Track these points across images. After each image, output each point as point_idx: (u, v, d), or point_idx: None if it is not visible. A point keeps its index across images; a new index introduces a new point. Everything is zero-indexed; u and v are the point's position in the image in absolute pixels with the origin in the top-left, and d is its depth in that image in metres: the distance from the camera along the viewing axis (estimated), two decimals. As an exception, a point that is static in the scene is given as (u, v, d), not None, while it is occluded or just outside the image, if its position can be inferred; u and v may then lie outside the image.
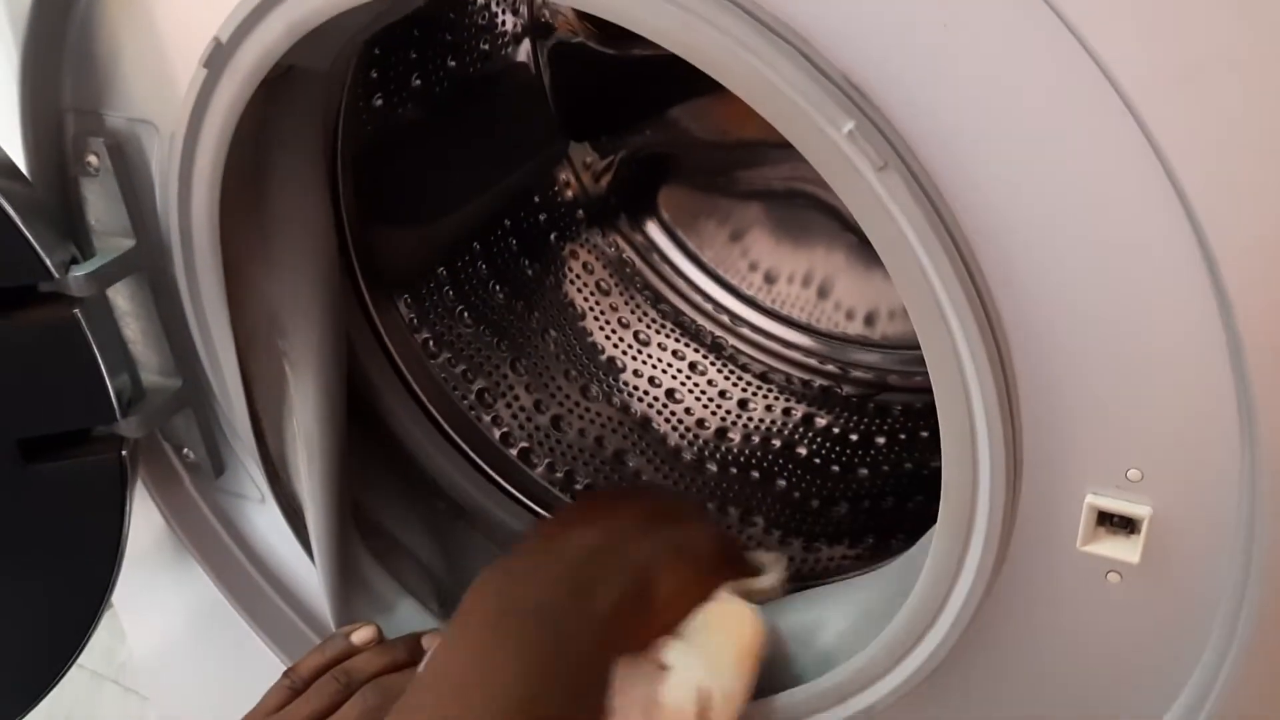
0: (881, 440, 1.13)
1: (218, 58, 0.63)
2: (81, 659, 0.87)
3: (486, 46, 1.11)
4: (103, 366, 0.75)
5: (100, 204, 0.74)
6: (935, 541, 0.59)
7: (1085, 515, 0.55)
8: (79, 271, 0.72)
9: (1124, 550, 0.55)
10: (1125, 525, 0.55)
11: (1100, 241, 0.49)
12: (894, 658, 0.64)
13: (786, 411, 1.18)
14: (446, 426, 0.94)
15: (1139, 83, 0.44)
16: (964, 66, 0.48)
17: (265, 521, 0.88)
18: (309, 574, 0.89)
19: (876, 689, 0.65)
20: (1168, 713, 0.59)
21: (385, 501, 0.85)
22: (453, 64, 1.07)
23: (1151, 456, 0.52)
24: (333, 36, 0.63)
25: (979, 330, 0.52)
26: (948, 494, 0.57)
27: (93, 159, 0.72)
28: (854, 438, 1.14)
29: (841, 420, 1.16)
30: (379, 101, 0.99)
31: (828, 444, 1.14)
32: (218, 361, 0.78)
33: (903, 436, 1.12)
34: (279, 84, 0.67)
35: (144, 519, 0.89)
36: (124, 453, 0.79)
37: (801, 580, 0.90)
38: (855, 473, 1.11)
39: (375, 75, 0.99)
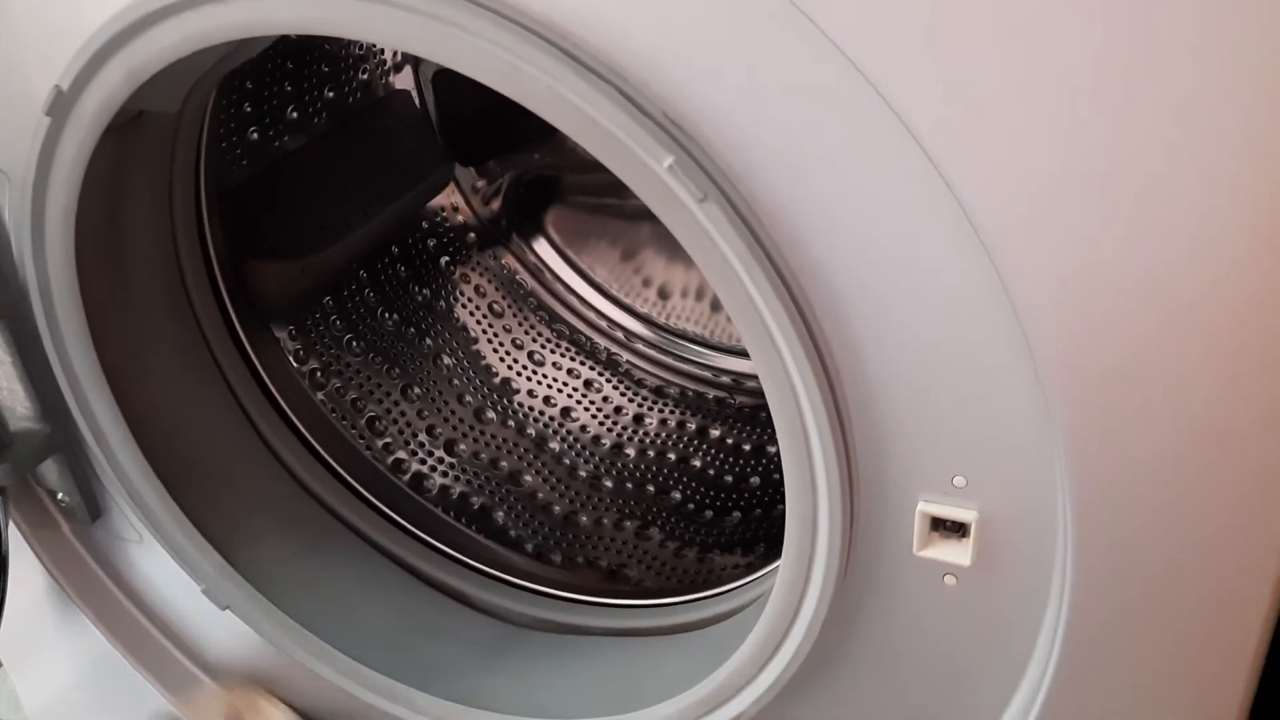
0: (773, 449, 1.15)
1: (60, 105, 0.63)
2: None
3: (365, 75, 1.11)
4: (-36, 416, 0.74)
5: (-46, 253, 0.73)
6: (784, 552, 0.61)
7: (919, 522, 0.58)
8: (-67, 322, 0.71)
9: (957, 554, 0.58)
10: (957, 530, 0.58)
11: (908, 267, 0.51)
12: (756, 665, 0.66)
13: (681, 425, 1.20)
14: (329, 458, 0.94)
15: (929, 123, 0.47)
16: (774, 106, 0.50)
17: (148, 563, 0.88)
18: (196, 614, 0.89)
19: (742, 698, 0.67)
20: (1015, 693, 0.62)
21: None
22: (331, 94, 1.08)
23: (972, 464, 0.55)
24: (177, 81, 0.64)
25: (804, 350, 0.54)
26: (791, 506, 0.59)
27: (-57, 208, 0.72)
28: (747, 448, 1.17)
29: (735, 431, 1.19)
30: (254, 135, 0.99)
31: (721, 455, 1.17)
32: (87, 403, 0.78)
33: (794, 444, 1.15)
34: (129, 128, 0.68)
35: (25, 572, 0.88)
36: (-6, 501, 0.78)
37: (696, 590, 0.92)
38: (748, 482, 1.14)
39: (249, 109, 0.99)
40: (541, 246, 1.26)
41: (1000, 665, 0.62)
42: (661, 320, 1.26)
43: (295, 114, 1.03)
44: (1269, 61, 0.42)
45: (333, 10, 0.54)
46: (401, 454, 1.05)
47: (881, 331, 0.54)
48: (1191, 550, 0.53)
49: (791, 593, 0.62)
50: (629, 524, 1.09)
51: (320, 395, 1.01)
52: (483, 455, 1.11)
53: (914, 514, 0.57)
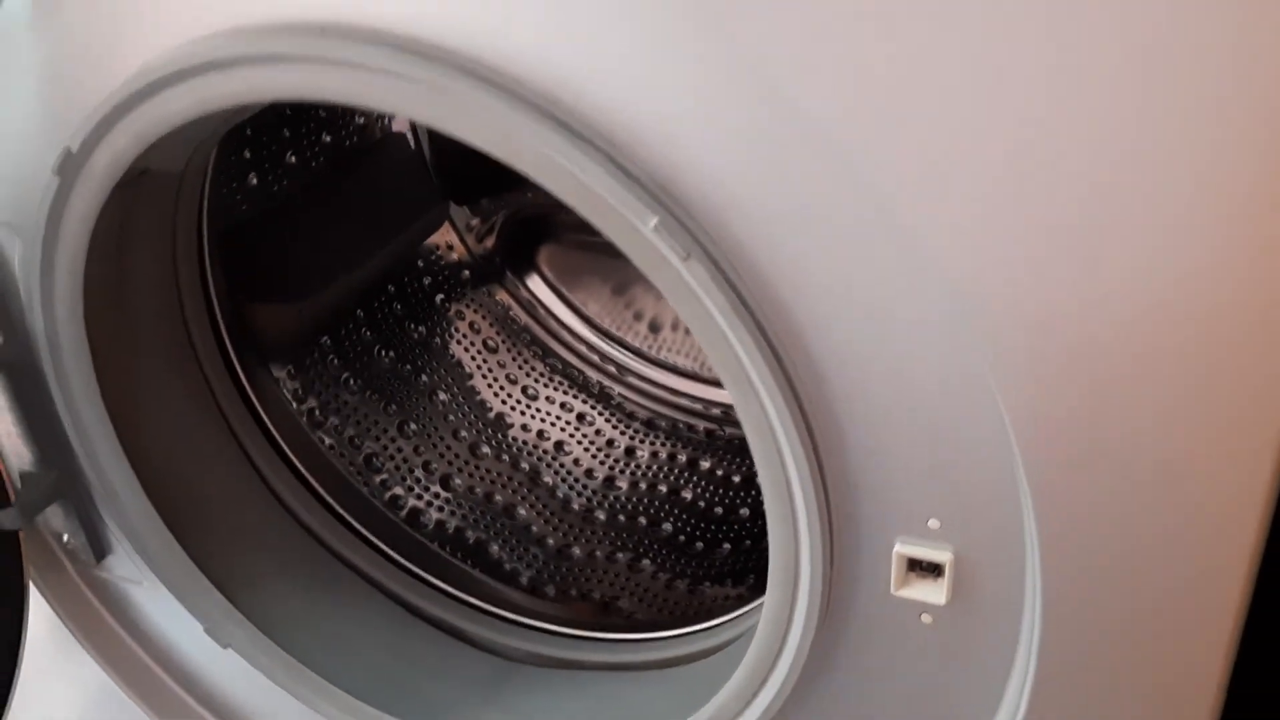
0: (762, 480, 1.18)
1: (69, 165, 0.66)
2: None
3: (362, 119, 1.14)
4: (-27, 462, 0.76)
5: (-36, 304, 0.75)
6: (768, 591, 0.64)
7: (896, 563, 0.60)
8: (-56, 370, 0.73)
9: (932, 593, 0.60)
10: (932, 570, 0.60)
11: (882, 321, 0.54)
12: (743, 700, 0.68)
13: (672, 457, 1.22)
14: (331, 499, 0.96)
15: (895, 186, 0.50)
16: (756, 170, 0.53)
17: (151, 602, 0.90)
18: (199, 652, 0.91)
19: (728, 733, 0.69)
20: (992, 729, 0.65)
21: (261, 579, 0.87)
22: (328, 138, 1.10)
23: (946, 507, 0.58)
24: (182, 141, 0.66)
25: (785, 400, 0.56)
26: (774, 548, 0.62)
27: (-45, 261, 0.74)
28: (736, 479, 1.19)
29: (725, 463, 1.21)
30: (253, 180, 1.02)
31: (711, 487, 1.19)
32: (92, 447, 0.80)
33: (783, 476, 1.17)
34: (135, 184, 0.70)
35: (30, 611, 0.89)
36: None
37: (687, 622, 0.94)
38: (737, 513, 1.16)
39: (249, 155, 1.01)
40: (535, 283, 1.28)
41: (976, 698, 0.64)
42: (652, 354, 1.29)
43: (294, 158, 1.06)
44: (1228, 114, 0.45)
45: (333, 79, 0.57)
46: (398, 490, 1.07)
47: (858, 383, 0.56)
48: (1153, 586, 0.55)
49: (775, 631, 0.64)
50: (621, 556, 1.12)
51: (319, 433, 1.03)
52: (478, 489, 1.13)
53: (891, 555, 0.60)
